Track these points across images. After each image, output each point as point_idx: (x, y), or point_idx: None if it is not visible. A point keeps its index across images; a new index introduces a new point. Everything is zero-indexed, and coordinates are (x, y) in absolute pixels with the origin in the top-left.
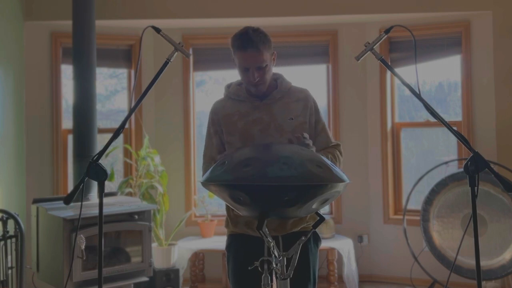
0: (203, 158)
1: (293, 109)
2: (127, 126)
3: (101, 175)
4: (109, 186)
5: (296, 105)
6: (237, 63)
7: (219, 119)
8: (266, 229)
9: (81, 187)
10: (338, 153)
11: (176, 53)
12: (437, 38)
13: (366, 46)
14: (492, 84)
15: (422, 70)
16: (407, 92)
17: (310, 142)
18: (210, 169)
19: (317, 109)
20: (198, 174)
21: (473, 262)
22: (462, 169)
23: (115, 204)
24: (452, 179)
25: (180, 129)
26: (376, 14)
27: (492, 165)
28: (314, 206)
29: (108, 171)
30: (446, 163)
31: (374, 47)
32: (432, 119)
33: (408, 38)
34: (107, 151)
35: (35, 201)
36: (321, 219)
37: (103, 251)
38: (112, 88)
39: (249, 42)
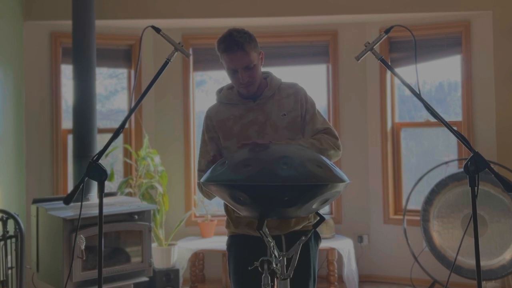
0: (198, 164)
1: (285, 105)
2: (127, 126)
3: (101, 175)
4: (109, 186)
5: (287, 101)
6: (225, 66)
7: (214, 125)
8: (266, 229)
9: (81, 187)
10: (326, 136)
11: (176, 53)
12: (437, 38)
13: (366, 46)
14: (492, 84)
15: (422, 70)
16: (407, 92)
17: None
18: (210, 169)
19: (307, 100)
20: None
21: (473, 262)
22: (462, 169)
23: (115, 204)
24: (452, 179)
25: (180, 129)
26: (376, 14)
27: (492, 165)
28: (314, 206)
29: (108, 171)
30: (446, 163)
31: (374, 47)
32: (432, 119)
33: (408, 38)
34: (107, 151)
35: (35, 201)
36: (321, 219)
37: (103, 251)
38: (112, 88)
39: (234, 43)
